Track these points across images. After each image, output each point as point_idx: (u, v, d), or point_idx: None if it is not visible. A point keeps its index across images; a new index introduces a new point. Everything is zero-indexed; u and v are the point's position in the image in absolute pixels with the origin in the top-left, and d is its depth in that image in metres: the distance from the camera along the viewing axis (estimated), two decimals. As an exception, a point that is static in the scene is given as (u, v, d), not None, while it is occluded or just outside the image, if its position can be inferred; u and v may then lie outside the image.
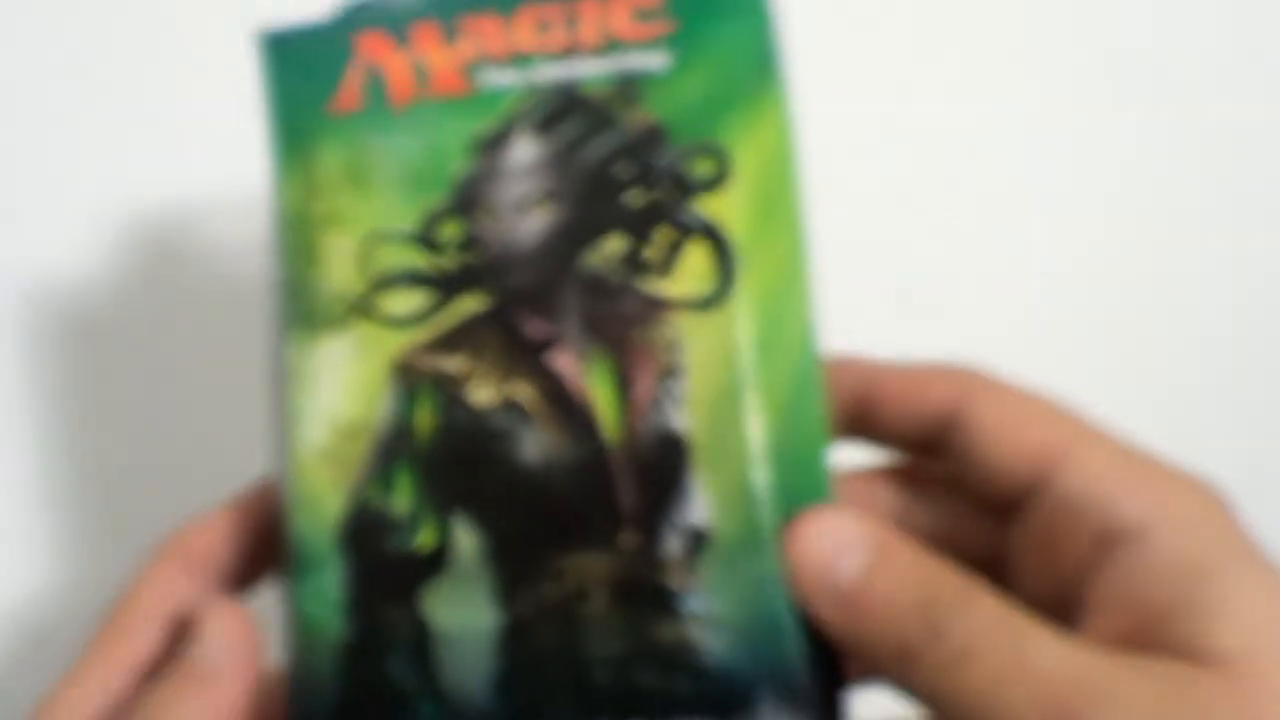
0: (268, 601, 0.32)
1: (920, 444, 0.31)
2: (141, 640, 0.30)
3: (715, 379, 0.29)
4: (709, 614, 0.28)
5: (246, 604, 0.32)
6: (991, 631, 0.26)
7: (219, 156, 0.45)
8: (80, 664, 0.30)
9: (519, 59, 0.31)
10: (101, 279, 0.49)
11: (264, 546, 0.32)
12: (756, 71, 0.30)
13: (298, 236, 0.31)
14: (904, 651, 0.26)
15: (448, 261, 0.30)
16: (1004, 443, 0.29)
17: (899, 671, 0.27)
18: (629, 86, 0.30)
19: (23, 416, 0.48)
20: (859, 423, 0.32)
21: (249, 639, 0.29)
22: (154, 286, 0.49)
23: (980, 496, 0.30)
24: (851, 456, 0.32)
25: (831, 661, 0.28)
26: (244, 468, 0.33)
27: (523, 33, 0.31)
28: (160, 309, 0.49)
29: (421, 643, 0.29)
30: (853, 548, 0.28)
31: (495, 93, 0.31)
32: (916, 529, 0.31)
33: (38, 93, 0.50)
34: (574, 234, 0.30)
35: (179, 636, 0.31)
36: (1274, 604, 0.26)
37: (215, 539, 0.31)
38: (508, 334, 0.29)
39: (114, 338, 0.49)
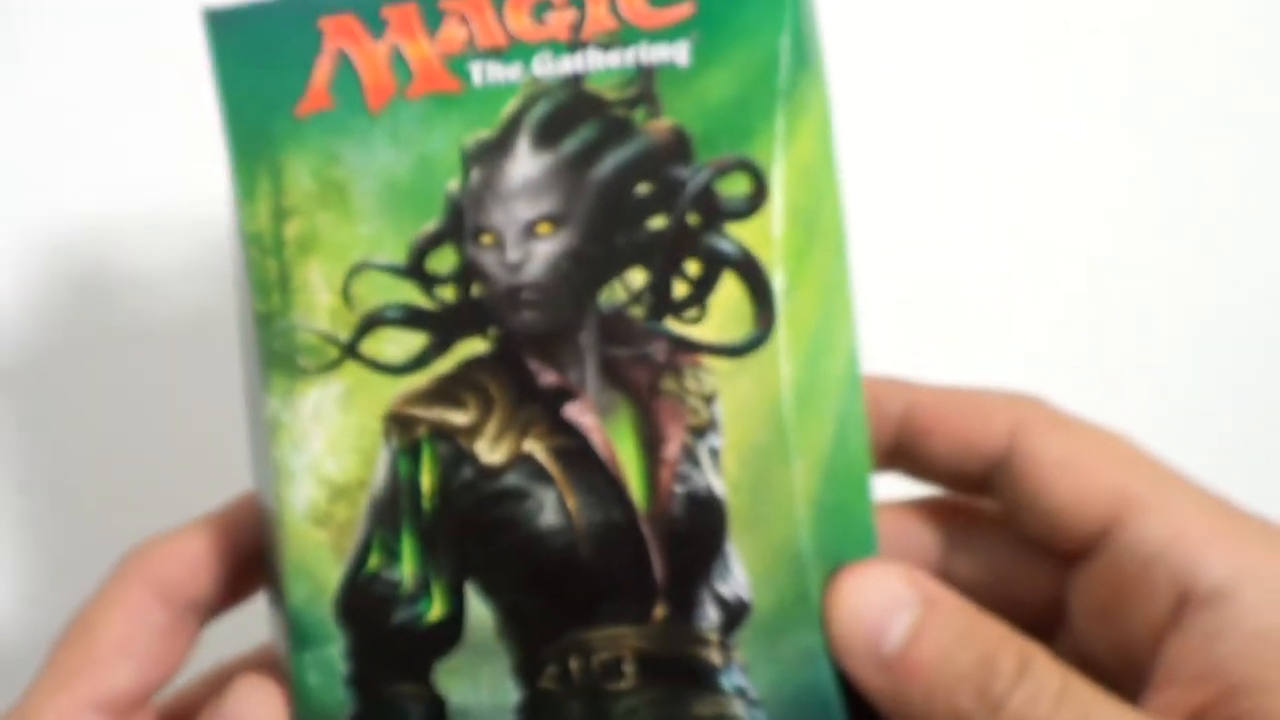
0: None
1: (970, 480, 0.29)
2: (109, 675, 0.28)
3: (753, 434, 0.26)
4: (750, 691, 0.26)
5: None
6: (1052, 704, 0.24)
7: (144, 172, 0.42)
8: (34, 696, 0.28)
9: (515, 49, 0.27)
10: (26, 311, 0.45)
11: (241, 569, 0.29)
12: (792, 65, 0.26)
13: (269, 264, 0.27)
14: None
15: (444, 295, 0.26)
16: (1070, 484, 0.27)
17: None
18: (646, 83, 0.26)
19: None
20: (902, 454, 0.29)
21: None
22: (84, 315, 0.45)
23: (1037, 541, 0.28)
24: (888, 488, 0.29)
25: None
26: (198, 491, 0.31)
27: (519, 17, 0.27)
28: (91, 339, 0.45)
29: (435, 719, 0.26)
30: (898, 607, 0.26)
31: (489, 90, 0.27)
32: (961, 574, 0.29)
33: None
34: (589, 265, 0.26)
35: (158, 680, 0.29)
36: None
37: (188, 561, 0.29)
38: (518, 381, 0.26)
39: (42, 372, 0.45)
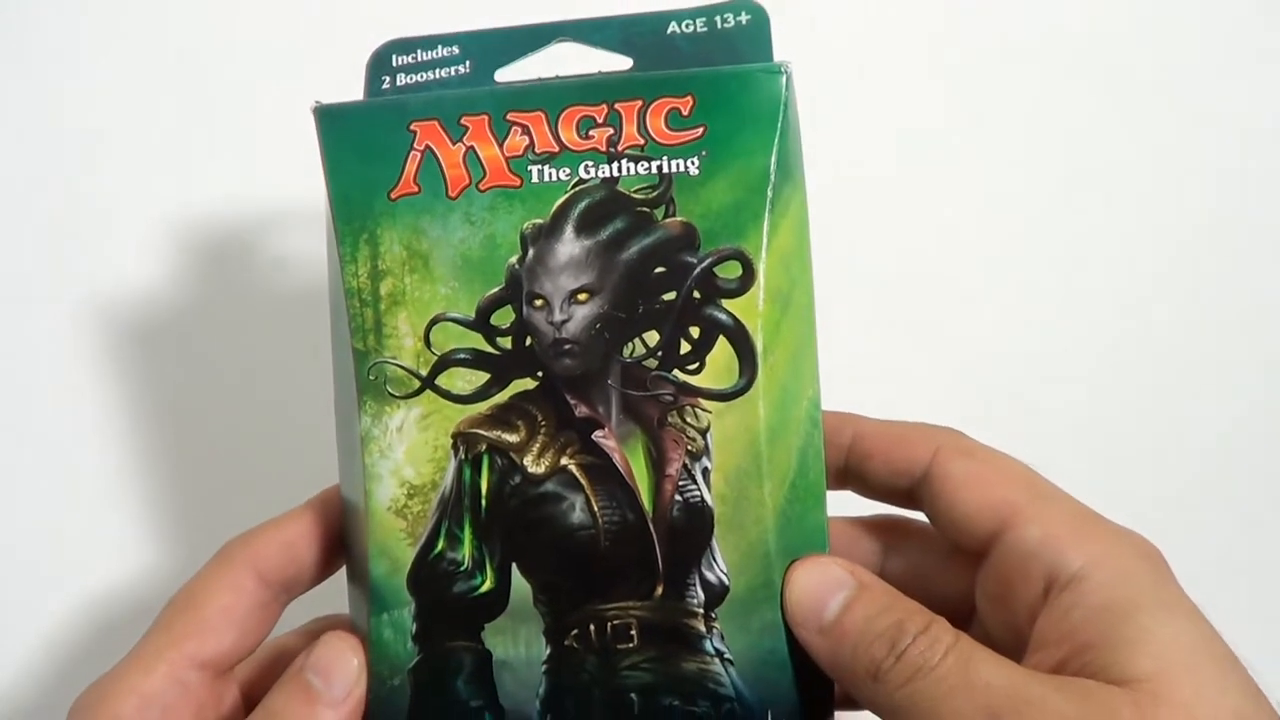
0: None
1: (901, 496, 0.36)
2: (214, 638, 0.34)
3: (736, 460, 0.34)
4: (727, 653, 0.34)
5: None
6: (943, 652, 0.31)
7: (279, 171, 0.48)
8: (147, 647, 0.34)
9: (565, 155, 0.34)
10: (168, 288, 0.51)
11: (327, 555, 0.36)
12: (778, 178, 0.34)
13: (367, 313, 0.34)
14: (872, 670, 0.32)
15: (504, 344, 0.34)
16: (969, 498, 0.34)
17: (869, 690, 0.32)
18: (665, 187, 0.34)
19: (94, 420, 0.51)
20: (851, 475, 0.37)
21: (363, 670, 0.34)
22: (216, 294, 0.51)
23: (951, 543, 0.35)
24: (845, 507, 0.37)
25: (822, 692, 0.34)
26: (301, 466, 0.38)
27: (568, 131, 0.34)
28: (224, 316, 0.51)
29: (482, 668, 0.34)
30: (837, 587, 0.33)
31: (543, 187, 0.34)
32: (894, 573, 0.36)
33: (106, 106, 0.52)
34: (616, 326, 0.34)
35: (272, 656, 0.36)
36: (1185, 636, 0.30)
37: (284, 548, 0.35)
38: (558, 412, 0.34)
39: (180, 344, 0.51)
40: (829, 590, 0.33)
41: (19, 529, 0.50)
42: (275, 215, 0.51)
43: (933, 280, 0.53)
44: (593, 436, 0.34)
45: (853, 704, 0.36)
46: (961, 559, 0.35)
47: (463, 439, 0.34)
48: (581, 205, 0.34)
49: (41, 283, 0.51)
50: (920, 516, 0.37)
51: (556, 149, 0.34)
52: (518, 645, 0.34)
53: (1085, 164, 0.53)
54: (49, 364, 0.51)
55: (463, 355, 0.34)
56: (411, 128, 0.34)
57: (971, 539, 0.34)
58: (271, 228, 0.51)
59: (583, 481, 0.34)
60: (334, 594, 0.37)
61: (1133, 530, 0.33)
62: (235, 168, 0.51)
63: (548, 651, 0.34)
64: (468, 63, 0.37)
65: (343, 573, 0.37)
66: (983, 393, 0.50)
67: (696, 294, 0.34)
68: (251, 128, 0.51)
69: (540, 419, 0.34)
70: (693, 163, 0.34)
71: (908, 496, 0.36)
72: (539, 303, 0.34)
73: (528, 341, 0.34)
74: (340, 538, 0.36)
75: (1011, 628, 0.33)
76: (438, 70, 0.36)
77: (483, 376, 0.34)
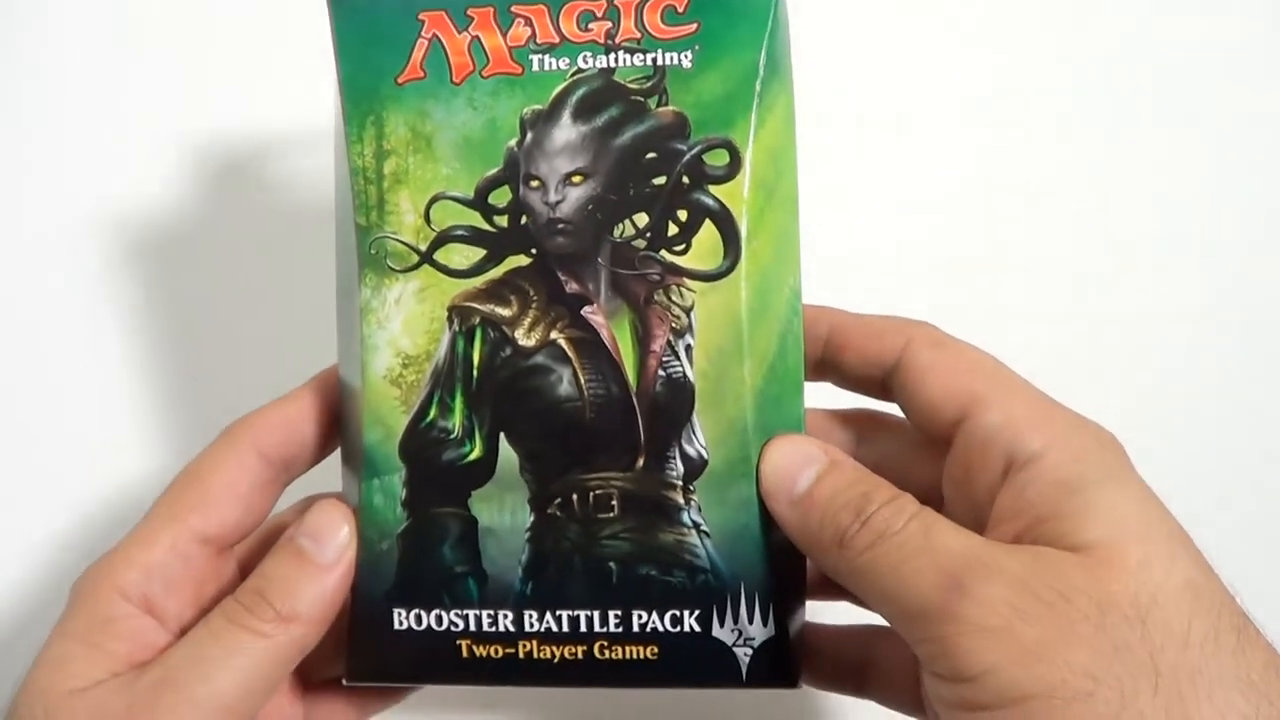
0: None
1: (876, 386, 0.38)
2: (217, 513, 0.35)
3: (718, 338, 0.35)
4: (703, 525, 0.35)
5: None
6: (906, 520, 0.32)
7: (287, 94, 0.50)
8: (151, 523, 0.35)
9: (565, 46, 0.36)
10: (177, 204, 0.53)
11: (326, 433, 0.37)
12: (766, 74, 0.35)
13: (370, 190, 0.36)
14: (837, 538, 0.32)
15: (500, 222, 0.36)
16: (935, 386, 0.35)
17: (834, 558, 0.33)
18: (659, 79, 0.36)
19: (107, 333, 0.52)
20: (828, 366, 0.38)
21: (353, 535, 0.35)
22: (225, 211, 0.53)
23: (919, 429, 0.36)
24: (821, 398, 0.39)
25: (794, 568, 0.35)
26: (303, 367, 0.39)
27: (569, 23, 0.36)
28: (231, 231, 0.53)
29: (468, 534, 0.35)
30: (809, 462, 0.34)
31: (544, 75, 0.36)
32: (867, 461, 0.37)
33: (113, 31, 0.55)
34: (607, 207, 0.35)
35: (269, 535, 0.37)
36: (1137, 508, 0.31)
37: (286, 427, 0.36)
38: (549, 288, 0.36)
39: (189, 258, 0.53)
40: (801, 465, 0.34)
41: (29, 431, 0.51)
42: (282, 135, 0.53)
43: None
44: (582, 312, 0.35)
45: (826, 591, 0.37)
46: (931, 450, 0.36)
47: (457, 312, 0.36)
48: (579, 93, 0.36)
49: (54, 199, 0.53)
50: (894, 410, 0.38)
51: (557, 40, 0.36)
52: (503, 512, 0.35)
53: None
54: (60, 273, 0.53)
55: (461, 231, 0.36)
56: (420, 17, 0.36)
57: (937, 425, 0.35)
58: (276, 147, 0.53)
59: (571, 355, 0.35)
60: (333, 481, 0.38)
61: (1092, 419, 0.34)
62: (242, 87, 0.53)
63: (531, 519, 0.35)
64: None
65: (340, 471, 0.38)
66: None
67: (685, 179, 0.35)
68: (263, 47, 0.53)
69: (532, 294, 0.35)
70: (686, 56, 0.36)
71: (882, 387, 0.37)
72: (535, 183, 0.36)
73: (523, 220, 0.36)
74: (338, 417, 0.37)
75: (974, 508, 0.34)
76: None
77: (479, 252, 0.36)
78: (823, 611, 0.38)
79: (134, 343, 0.52)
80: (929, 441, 0.36)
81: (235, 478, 0.36)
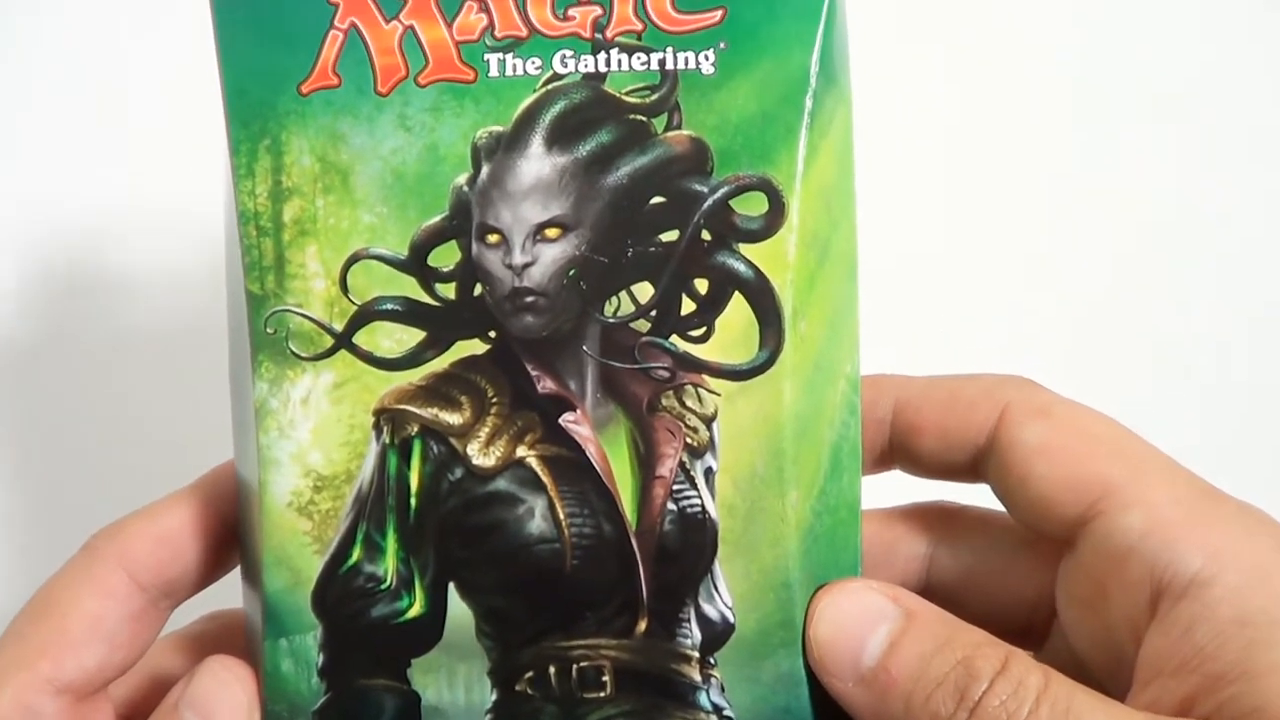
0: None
1: (962, 471, 0.29)
2: (74, 655, 0.28)
3: (751, 460, 0.26)
4: (727, 709, 0.26)
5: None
6: (1033, 700, 0.24)
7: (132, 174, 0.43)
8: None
9: (535, 42, 0.26)
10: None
11: (216, 551, 0.29)
12: (820, 84, 0.26)
13: (266, 245, 0.26)
14: None
15: (445, 293, 0.26)
16: (1049, 472, 0.27)
17: None
18: (668, 89, 0.26)
19: None
20: (896, 455, 0.30)
21: (254, 708, 0.27)
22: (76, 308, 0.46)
23: (1027, 528, 0.28)
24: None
25: None
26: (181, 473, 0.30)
27: (541, 9, 0.26)
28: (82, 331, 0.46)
29: (407, 714, 0.26)
30: (878, 619, 0.26)
31: (504, 83, 0.26)
32: (950, 572, 0.29)
33: None
34: (596, 274, 0.26)
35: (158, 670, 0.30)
36: None
37: (163, 541, 0.29)
38: (515, 386, 0.26)
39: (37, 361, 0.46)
40: (867, 625, 0.26)
41: None
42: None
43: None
44: (560, 420, 0.26)
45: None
46: (1034, 553, 0.29)
47: (388, 417, 0.26)
48: (554, 110, 0.26)
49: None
50: (975, 499, 0.30)
51: (524, 33, 0.26)
52: (454, 688, 0.26)
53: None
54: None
55: (390, 306, 0.26)
56: (332, 1, 0.26)
57: (1052, 525, 0.27)
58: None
59: (545, 479, 0.26)
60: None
61: (1262, 510, 0.26)
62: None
63: (493, 698, 0.26)
64: None
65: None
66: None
67: (706, 235, 0.26)
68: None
69: (491, 394, 0.26)
70: (706, 57, 0.26)
71: (970, 470, 0.29)
72: (494, 238, 0.26)
73: (477, 290, 0.26)
74: (234, 528, 0.29)
75: (1107, 645, 0.27)
76: None
77: (416, 335, 0.26)
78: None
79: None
80: (1031, 542, 0.28)
81: (98, 608, 0.28)
